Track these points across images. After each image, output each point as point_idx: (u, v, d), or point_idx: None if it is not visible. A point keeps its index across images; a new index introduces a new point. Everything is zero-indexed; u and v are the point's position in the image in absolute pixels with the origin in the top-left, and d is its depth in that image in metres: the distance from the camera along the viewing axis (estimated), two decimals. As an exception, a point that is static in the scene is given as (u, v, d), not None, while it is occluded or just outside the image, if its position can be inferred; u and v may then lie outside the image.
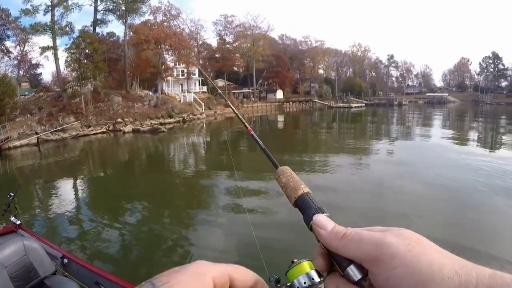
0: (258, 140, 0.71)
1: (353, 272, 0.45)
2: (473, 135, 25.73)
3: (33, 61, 54.27)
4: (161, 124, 39.39)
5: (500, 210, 8.76)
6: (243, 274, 0.47)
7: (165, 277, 0.40)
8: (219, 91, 2.27)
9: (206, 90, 58.57)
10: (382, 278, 0.42)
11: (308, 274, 0.49)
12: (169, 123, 41.74)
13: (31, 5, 41.47)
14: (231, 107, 1.09)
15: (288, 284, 0.48)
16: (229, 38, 70.98)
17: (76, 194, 13.28)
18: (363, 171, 14.09)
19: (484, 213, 8.59)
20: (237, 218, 9.34)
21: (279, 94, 73.09)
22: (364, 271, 0.45)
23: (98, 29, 49.18)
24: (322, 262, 0.48)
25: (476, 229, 7.61)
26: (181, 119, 43.98)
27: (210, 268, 0.43)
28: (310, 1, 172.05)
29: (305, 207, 0.53)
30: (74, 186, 14.82)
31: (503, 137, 24.91)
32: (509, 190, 10.30)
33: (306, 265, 0.50)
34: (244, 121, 0.87)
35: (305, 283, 0.49)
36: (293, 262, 0.51)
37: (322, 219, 0.49)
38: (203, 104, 50.15)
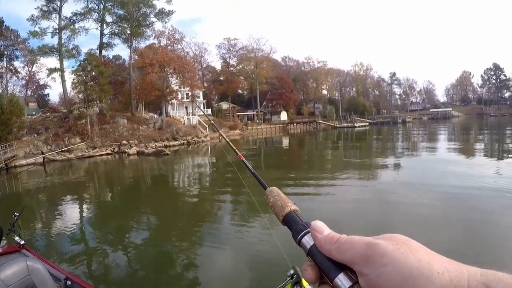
0: (248, 164, 0.77)
1: (342, 282, 0.46)
2: (479, 150, 25.39)
3: (41, 82, 56.08)
4: (165, 146, 39.44)
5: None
6: None
7: None
8: (212, 122, 2.29)
9: (210, 113, 59.01)
10: (373, 276, 0.43)
11: None
12: (174, 145, 41.85)
13: (39, 27, 43.17)
14: (222, 135, 1.17)
15: None
16: (232, 61, 72.32)
17: (81, 214, 13.10)
18: (368, 193, 13.73)
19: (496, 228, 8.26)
20: (239, 240, 9.15)
21: (283, 116, 73.56)
22: (353, 280, 0.46)
23: (104, 52, 50.59)
24: (312, 273, 0.49)
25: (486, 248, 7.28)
26: (185, 141, 44.13)
27: None
28: (311, 22, 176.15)
29: (292, 223, 0.55)
30: (79, 206, 14.66)
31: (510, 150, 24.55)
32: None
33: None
34: (234, 148, 0.98)
35: None
36: (287, 281, 0.56)
37: (319, 224, 0.52)
38: (207, 127, 50.37)
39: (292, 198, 0.63)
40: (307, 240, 0.51)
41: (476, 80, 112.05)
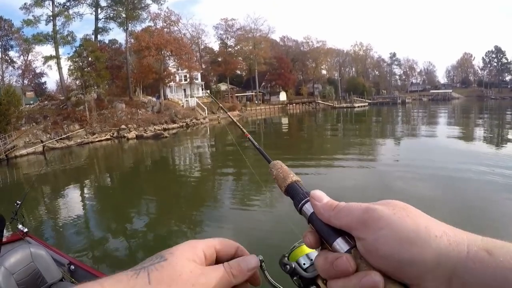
0: (253, 141, 0.80)
1: (340, 246, 0.48)
2: (479, 131, 25.53)
3: (37, 70, 55.42)
4: (164, 129, 39.52)
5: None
6: (225, 244, 0.53)
7: (159, 254, 0.47)
8: (214, 99, 2.37)
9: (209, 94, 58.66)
10: (370, 240, 0.44)
11: (308, 255, 0.54)
12: (173, 128, 41.88)
13: (32, 15, 42.35)
14: (231, 117, 1.21)
15: (291, 265, 0.53)
16: (230, 42, 71.28)
17: (82, 200, 13.33)
18: (366, 172, 13.90)
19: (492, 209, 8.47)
20: (242, 216, 9.36)
21: (283, 96, 73.13)
22: (350, 244, 0.48)
23: (100, 37, 49.97)
24: (312, 239, 0.51)
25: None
26: (184, 124, 44.10)
27: (199, 242, 0.51)
28: (310, 1, 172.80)
29: (294, 193, 0.57)
30: (81, 193, 14.88)
31: (509, 132, 24.72)
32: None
33: (306, 248, 0.55)
34: (241, 126, 0.99)
35: (304, 263, 0.53)
36: (294, 246, 0.56)
37: (318, 193, 0.53)
38: (206, 108, 50.23)
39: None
40: (308, 208, 0.54)
41: (477, 63, 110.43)
